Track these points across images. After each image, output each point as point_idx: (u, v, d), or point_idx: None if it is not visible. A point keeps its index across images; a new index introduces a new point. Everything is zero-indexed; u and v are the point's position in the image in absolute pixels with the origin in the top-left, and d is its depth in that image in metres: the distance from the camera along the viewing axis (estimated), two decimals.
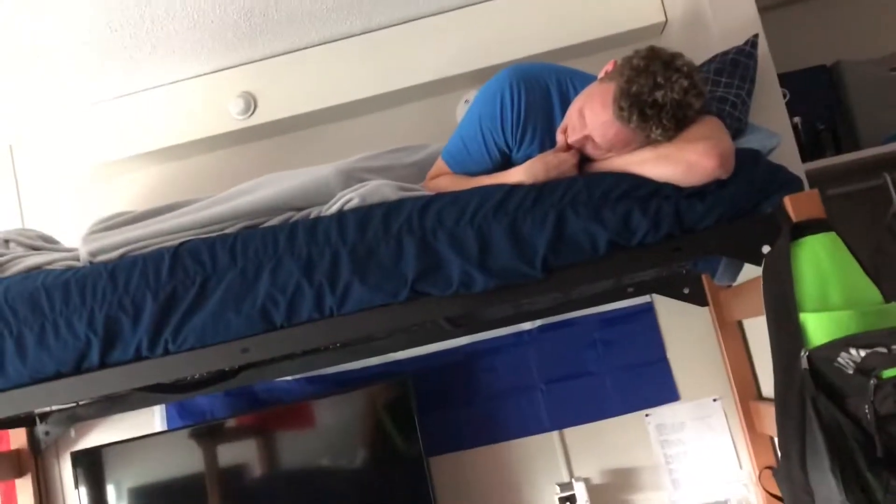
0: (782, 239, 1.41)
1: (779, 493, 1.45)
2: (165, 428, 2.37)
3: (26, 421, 2.32)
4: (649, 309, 2.33)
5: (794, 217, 1.43)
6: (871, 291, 1.36)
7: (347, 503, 2.17)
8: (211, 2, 2.06)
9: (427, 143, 2.07)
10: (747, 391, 2.16)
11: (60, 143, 2.45)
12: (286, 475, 2.18)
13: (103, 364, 1.61)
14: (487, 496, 2.29)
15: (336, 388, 2.33)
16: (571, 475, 2.26)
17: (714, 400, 2.26)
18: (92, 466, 2.20)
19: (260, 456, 2.20)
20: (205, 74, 2.42)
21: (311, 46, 2.40)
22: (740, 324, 2.21)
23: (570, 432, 2.30)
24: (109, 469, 2.20)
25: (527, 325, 2.35)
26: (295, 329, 1.59)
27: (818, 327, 1.30)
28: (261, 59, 2.41)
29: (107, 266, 1.63)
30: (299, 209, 1.75)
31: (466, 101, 2.37)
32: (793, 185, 1.52)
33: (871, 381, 1.17)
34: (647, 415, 2.28)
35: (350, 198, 1.65)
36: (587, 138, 1.58)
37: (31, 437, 2.35)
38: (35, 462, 2.36)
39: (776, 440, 1.72)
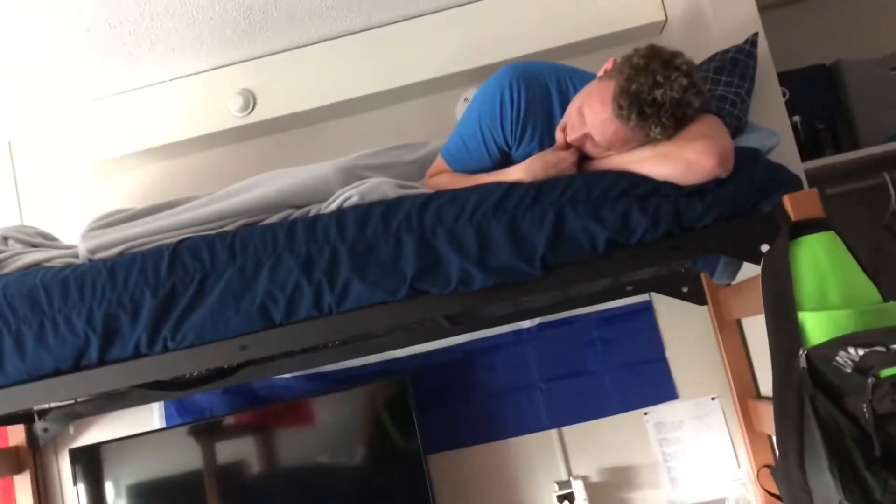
0: (781, 238, 1.41)
1: (777, 492, 1.45)
2: (164, 425, 2.37)
3: (25, 418, 2.32)
4: (648, 307, 2.34)
5: (793, 216, 1.43)
6: (870, 290, 1.36)
7: (346, 501, 2.17)
8: None
9: (427, 140, 2.07)
10: (746, 390, 2.16)
11: (59, 139, 2.45)
12: (285, 473, 2.18)
13: (102, 361, 1.61)
14: (486, 494, 2.29)
15: (335, 385, 2.33)
16: (570, 473, 2.27)
17: (712, 398, 2.27)
18: (90, 463, 2.20)
19: (258, 453, 2.20)
20: (204, 71, 2.42)
21: (310, 44, 2.40)
22: (739, 322, 2.21)
23: (568, 430, 2.30)
24: (108, 466, 2.20)
25: (526, 324, 2.36)
26: (294, 326, 1.59)
27: (817, 326, 1.30)
28: (260, 57, 2.40)
29: (106, 263, 1.63)
30: (298, 207, 1.75)
31: (466, 99, 2.37)
32: (792, 184, 1.52)
33: (870, 380, 1.18)
34: (645, 413, 2.29)
35: (349, 195, 1.65)
36: (586, 136, 1.58)
37: (30, 434, 2.35)
38: (34, 459, 2.36)
39: (774, 439, 1.72)
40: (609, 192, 1.51)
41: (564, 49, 2.32)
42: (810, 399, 1.25)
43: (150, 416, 2.39)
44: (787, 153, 1.85)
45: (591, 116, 1.56)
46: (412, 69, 2.35)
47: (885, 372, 1.18)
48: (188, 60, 2.34)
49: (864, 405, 1.18)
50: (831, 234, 1.40)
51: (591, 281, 1.70)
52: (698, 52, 1.81)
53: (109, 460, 2.20)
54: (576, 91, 1.69)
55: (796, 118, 2.32)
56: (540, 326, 2.35)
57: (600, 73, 1.62)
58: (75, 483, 2.20)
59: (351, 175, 1.78)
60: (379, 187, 1.65)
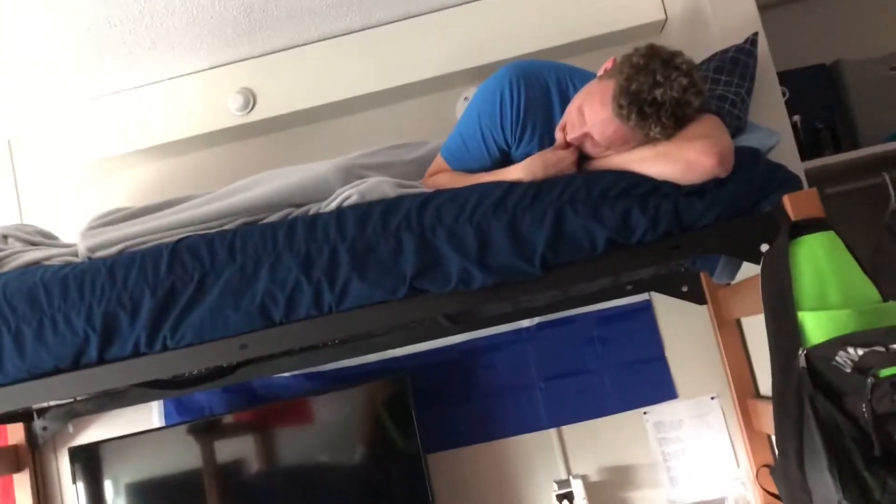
0: (781, 237, 1.41)
1: (776, 492, 1.46)
2: (163, 424, 2.37)
3: (24, 416, 2.32)
4: (648, 307, 2.34)
5: (792, 216, 1.43)
6: (870, 290, 1.36)
7: (345, 500, 2.17)
8: None
9: (426, 139, 2.07)
10: (745, 389, 2.16)
11: (59, 138, 2.45)
12: (284, 471, 2.19)
13: (101, 360, 1.61)
14: (485, 493, 2.29)
15: (334, 384, 2.33)
16: (569, 472, 2.27)
17: (712, 398, 2.27)
18: (90, 462, 2.20)
19: (258, 452, 2.20)
20: (204, 70, 2.42)
21: (310, 43, 2.39)
22: (738, 322, 2.21)
23: (568, 430, 2.30)
24: (107, 465, 2.20)
25: (525, 323, 2.36)
26: (293, 325, 1.59)
27: (816, 326, 1.30)
28: (260, 56, 2.40)
29: (105, 262, 1.63)
30: (298, 206, 1.75)
31: (466, 99, 2.37)
32: (792, 183, 1.52)
33: (869, 380, 1.18)
34: (645, 412, 2.29)
35: (349, 194, 1.65)
36: (586, 136, 1.58)
37: (29, 433, 2.36)
38: (33, 457, 2.36)
39: (774, 438, 1.72)
40: (609, 192, 1.51)
41: (564, 48, 2.32)
42: (810, 399, 1.25)
43: (150, 415, 2.39)
44: (786, 153, 1.85)
45: (590, 116, 1.56)
46: (412, 68, 2.35)
47: (885, 372, 1.18)
48: (188, 59, 2.34)
49: (864, 405, 1.18)
50: (831, 233, 1.40)
51: (591, 280, 1.70)
52: (698, 52, 1.81)
53: (109, 459, 2.20)
54: (576, 90, 1.69)
55: (796, 118, 2.32)
56: (539, 326, 2.35)
57: (600, 72, 1.62)
58: (74, 482, 2.20)
59: (350, 174, 1.78)
60: (379, 186, 1.65)
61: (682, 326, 2.31)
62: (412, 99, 2.47)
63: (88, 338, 1.58)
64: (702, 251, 1.56)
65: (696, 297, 2.26)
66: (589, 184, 1.53)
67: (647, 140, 1.54)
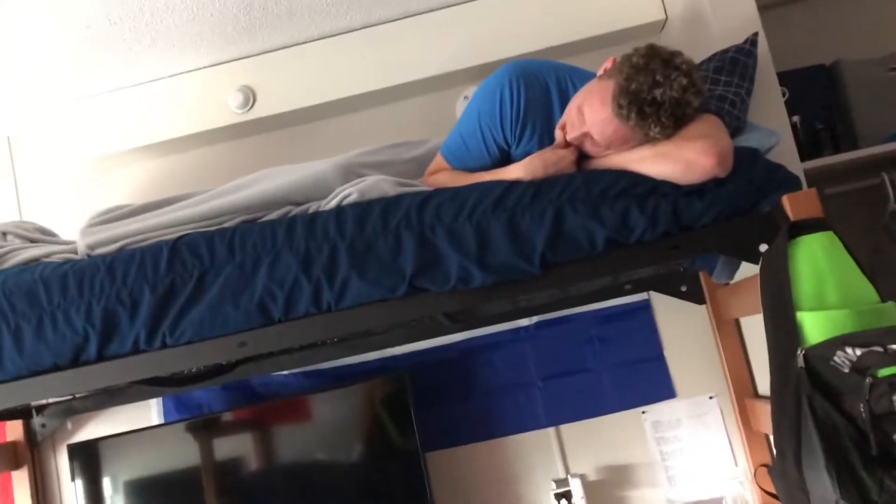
0: (780, 238, 1.41)
1: (774, 491, 1.46)
2: (162, 421, 2.37)
3: (23, 413, 2.33)
4: (646, 306, 2.34)
5: (791, 216, 1.44)
6: (868, 290, 1.36)
7: (343, 498, 2.17)
8: None
9: (426, 138, 2.07)
10: (743, 389, 2.16)
11: (59, 135, 2.44)
12: (282, 469, 2.19)
13: (101, 357, 1.61)
14: (483, 492, 2.29)
15: (333, 382, 2.33)
16: (567, 471, 2.27)
17: (710, 397, 2.27)
18: (88, 459, 2.20)
19: (256, 450, 2.20)
20: (204, 68, 2.42)
21: (310, 41, 2.39)
22: (737, 322, 2.21)
23: (566, 429, 2.31)
24: (106, 462, 2.20)
25: (524, 322, 2.36)
26: (292, 323, 1.59)
27: (815, 326, 1.30)
28: (260, 53, 2.40)
29: (105, 259, 1.63)
30: (298, 204, 1.75)
31: (466, 98, 2.37)
32: (791, 183, 1.53)
33: (867, 380, 1.18)
34: (643, 412, 2.29)
35: (349, 193, 1.65)
36: (586, 135, 1.58)
37: (28, 430, 2.36)
38: (31, 454, 2.36)
39: (772, 438, 1.73)
40: (608, 191, 1.51)
41: (564, 48, 2.32)
42: (808, 399, 1.25)
43: (148, 413, 2.39)
44: (786, 153, 1.85)
45: (590, 115, 1.56)
46: (412, 67, 2.35)
47: (883, 372, 1.18)
48: (188, 57, 2.34)
49: (862, 405, 1.19)
50: (830, 234, 1.40)
51: (590, 279, 1.70)
52: (698, 52, 1.81)
53: (107, 456, 2.20)
54: (575, 90, 1.69)
55: (795, 118, 2.33)
56: (538, 324, 2.35)
57: (600, 72, 1.62)
58: (73, 479, 2.20)
59: (350, 172, 1.78)
60: (378, 185, 1.65)
61: (680, 326, 2.31)
62: (412, 98, 2.47)
63: (88, 335, 1.59)
64: (701, 251, 1.56)
65: (695, 296, 2.26)
66: (588, 183, 1.53)
67: (647, 140, 1.54)
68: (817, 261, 1.37)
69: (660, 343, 2.32)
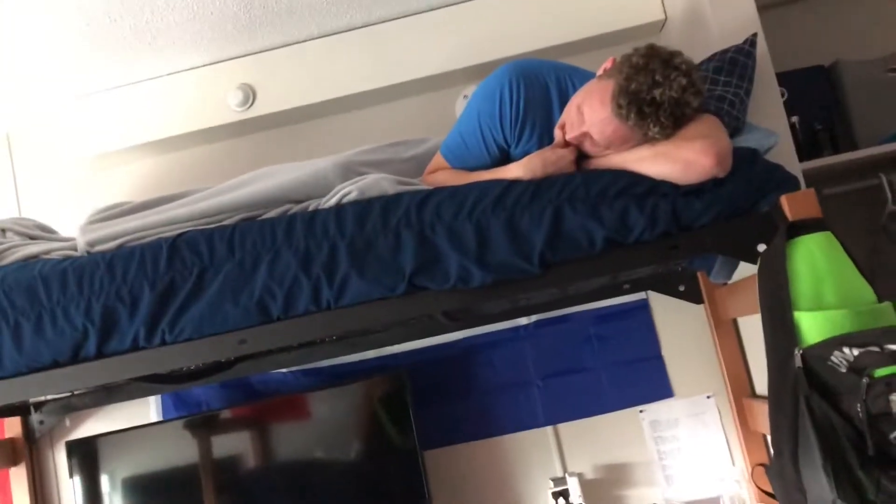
0: (778, 238, 1.41)
1: (771, 491, 1.46)
2: (161, 418, 2.37)
3: (21, 410, 2.32)
4: (645, 306, 2.34)
5: (790, 216, 1.44)
6: (866, 291, 1.37)
7: (342, 495, 2.17)
8: None
9: (426, 137, 2.07)
10: (741, 389, 2.17)
11: (58, 132, 2.44)
12: (281, 467, 2.19)
13: (100, 354, 1.61)
14: (482, 490, 2.30)
15: (332, 380, 2.34)
16: (565, 470, 2.27)
17: (708, 397, 2.27)
18: (87, 456, 2.20)
19: (255, 447, 2.21)
20: (204, 66, 2.41)
21: (310, 39, 2.39)
22: (735, 321, 2.21)
23: (564, 427, 2.31)
24: (104, 459, 2.20)
25: (523, 321, 2.36)
26: (292, 321, 1.59)
27: (812, 326, 1.31)
28: (260, 52, 2.40)
29: (104, 256, 1.63)
30: (298, 202, 1.75)
31: (465, 97, 2.37)
32: (789, 184, 1.53)
33: (864, 380, 1.19)
34: (641, 411, 2.29)
35: (348, 191, 1.65)
36: (585, 135, 1.59)
37: (26, 426, 2.35)
38: (29, 451, 2.36)
39: (769, 438, 1.73)
40: (607, 191, 1.52)
41: (564, 47, 2.32)
42: (805, 398, 1.26)
43: (147, 410, 2.39)
44: (784, 153, 1.85)
45: (590, 115, 1.56)
46: (412, 66, 2.35)
47: (880, 372, 1.19)
48: (188, 55, 2.34)
49: (859, 405, 1.19)
50: (828, 234, 1.41)
51: (589, 279, 1.71)
52: (697, 52, 1.82)
53: (106, 453, 2.20)
54: (575, 90, 1.70)
55: (794, 118, 2.33)
56: (537, 323, 2.36)
57: (600, 71, 1.63)
58: (71, 476, 2.20)
59: (349, 171, 1.78)
60: (378, 183, 1.66)
61: (678, 325, 2.31)
62: (412, 96, 2.47)
63: (87, 332, 1.59)
64: (699, 251, 1.56)
65: (693, 296, 2.27)
66: (588, 183, 1.53)
67: (646, 140, 1.54)
68: (815, 261, 1.38)
69: (658, 342, 2.32)
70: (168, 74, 2.42)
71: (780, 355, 1.35)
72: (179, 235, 1.63)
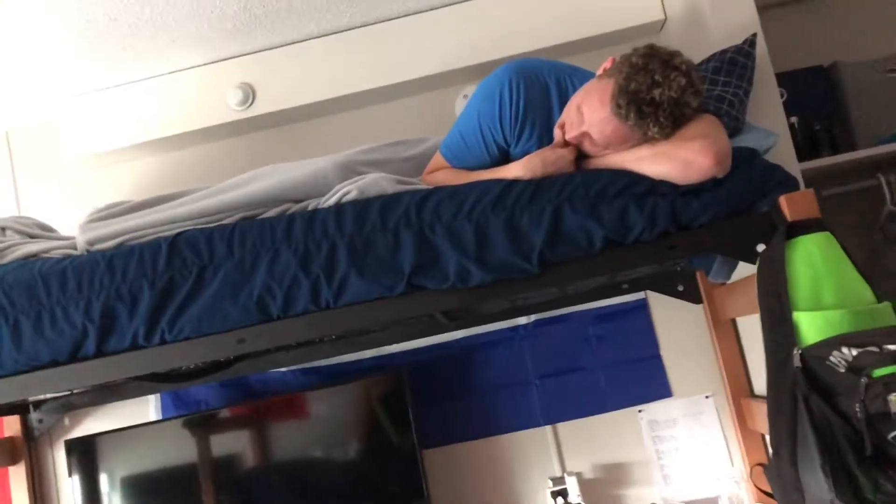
0: (777, 238, 1.42)
1: (769, 490, 1.46)
2: (160, 417, 2.37)
3: (20, 408, 2.32)
4: (643, 305, 2.34)
5: (789, 216, 1.44)
6: (865, 291, 1.37)
7: (341, 494, 2.18)
8: None
9: (425, 136, 2.07)
10: (740, 388, 2.17)
11: (58, 131, 2.44)
12: (280, 466, 2.19)
13: (99, 353, 1.61)
14: (480, 489, 2.30)
15: (331, 380, 2.34)
16: (564, 469, 2.28)
17: (706, 397, 2.28)
18: (86, 455, 2.20)
19: (254, 446, 2.21)
20: (204, 65, 2.41)
21: (310, 38, 2.39)
22: (734, 321, 2.22)
23: (563, 427, 2.31)
24: (103, 458, 2.20)
25: (522, 320, 2.36)
26: (291, 320, 1.59)
27: (811, 326, 1.31)
28: (260, 51, 2.40)
29: (104, 255, 1.63)
30: (297, 201, 1.75)
31: (465, 96, 2.37)
32: (789, 184, 1.53)
33: (862, 380, 1.19)
34: (639, 410, 2.30)
35: (348, 190, 1.65)
36: (585, 135, 1.59)
37: (25, 425, 2.35)
38: (28, 450, 2.36)
39: (768, 437, 1.73)
40: (606, 191, 1.52)
41: (564, 47, 2.32)
42: (804, 398, 1.26)
43: (146, 409, 2.39)
44: (784, 154, 1.86)
45: (589, 115, 1.56)
46: (412, 65, 2.35)
47: (878, 372, 1.19)
48: (188, 53, 2.33)
49: (857, 405, 1.19)
50: (827, 234, 1.41)
51: (588, 279, 1.71)
52: (697, 52, 1.82)
53: (105, 452, 2.20)
54: (575, 90, 1.70)
55: (794, 119, 2.34)
56: (536, 323, 2.36)
57: (599, 71, 1.63)
58: (70, 474, 2.20)
59: (349, 170, 1.78)
60: (377, 183, 1.66)
61: (677, 325, 2.31)
62: (411, 96, 2.47)
63: (87, 331, 1.59)
64: (698, 251, 1.57)
65: (692, 296, 2.27)
66: (587, 182, 1.53)
67: (646, 139, 1.54)
68: (814, 261, 1.38)
69: (656, 342, 2.33)
70: (168, 73, 2.42)
71: (778, 355, 1.36)
72: (179, 234, 1.64)
